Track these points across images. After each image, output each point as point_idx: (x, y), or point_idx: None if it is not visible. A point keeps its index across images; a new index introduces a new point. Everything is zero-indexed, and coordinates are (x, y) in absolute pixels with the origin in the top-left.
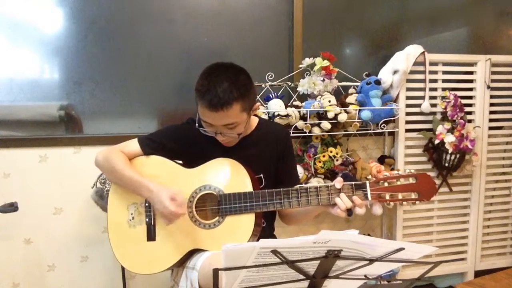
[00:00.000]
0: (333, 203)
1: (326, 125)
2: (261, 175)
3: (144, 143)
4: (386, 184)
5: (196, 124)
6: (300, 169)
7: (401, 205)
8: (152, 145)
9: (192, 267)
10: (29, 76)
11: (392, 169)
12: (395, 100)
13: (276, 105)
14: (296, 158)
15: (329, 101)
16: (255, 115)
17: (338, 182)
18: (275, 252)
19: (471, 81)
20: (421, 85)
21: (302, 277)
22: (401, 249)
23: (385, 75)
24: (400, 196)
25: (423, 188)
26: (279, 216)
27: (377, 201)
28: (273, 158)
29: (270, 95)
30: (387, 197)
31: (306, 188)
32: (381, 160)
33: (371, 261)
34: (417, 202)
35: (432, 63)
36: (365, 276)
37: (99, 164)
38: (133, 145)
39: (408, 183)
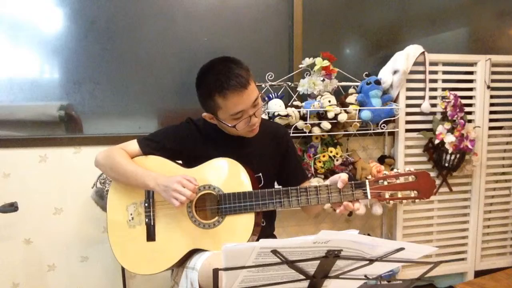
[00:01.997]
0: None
1: (326, 125)
2: (260, 174)
3: (143, 143)
4: (385, 183)
5: (225, 123)
6: None
7: (401, 203)
8: (151, 145)
9: (192, 267)
10: (29, 76)
11: (392, 169)
12: (395, 100)
13: (276, 105)
14: None
15: (329, 101)
16: None
17: (341, 181)
18: (275, 252)
19: (471, 81)
20: (421, 85)
21: (302, 277)
22: (401, 249)
23: (385, 75)
24: (399, 194)
25: (422, 186)
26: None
27: (377, 200)
28: (274, 158)
29: (270, 95)
30: (387, 195)
31: (305, 188)
32: (381, 160)
33: (371, 261)
34: (416, 200)
35: (432, 63)
36: (365, 276)
37: (100, 162)
38: (132, 146)
39: (407, 181)
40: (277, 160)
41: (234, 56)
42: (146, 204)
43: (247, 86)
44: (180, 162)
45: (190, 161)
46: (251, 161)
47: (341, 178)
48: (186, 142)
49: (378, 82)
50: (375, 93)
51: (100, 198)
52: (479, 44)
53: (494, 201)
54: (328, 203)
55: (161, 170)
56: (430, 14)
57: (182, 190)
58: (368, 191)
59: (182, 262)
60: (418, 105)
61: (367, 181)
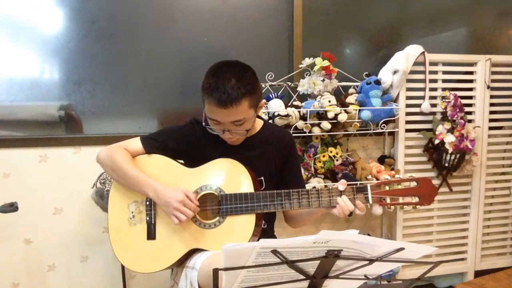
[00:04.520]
0: (334, 205)
1: (326, 125)
2: (262, 178)
3: (146, 142)
4: (387, 188)
5: (203, 123)
6: None
7: (402, 208)
8: (154, 144)
9: (192, 267)
10: (29, 76)
11: (392, 169)
12: (395, 100)
13: (276, 105)
14: None
15: (329, 101)
16: (260, 117)
17: (342, 184)
18: (275, 252)
19: (471, 81)
20: (421, 85)
21: (302, 277)
22: (401, 249)
23: (385, 75)
24: (400, 200)
25: (424, 192)
26: (285, 219)
27: (378, 204)
28: (276, 162)
29: (270, 95)
30: (388, 200)
31: (307, 190)
32: (381, 160)
33: (371, 261)
34: (417, 206)
35: (432, 63)
36: (365, 276)
37: (102, 162)
38: (136, 144)
39: (409, 187)
40: (279, 165)
41: (233, 56)
42: (148, 203)
43: (230, 105)
44: (181, 161)
45: (192, 161)
46: (254, 164)
47: (341, 182)
48: (189, 143)
49: (378, 82)
50: (375, 93)
51: (100, 198)
52: (479, 44)
53: (494, 201)
54: (329, 206)
55: (163, 170)
56: (430, 14)
57: (184, 210)
58: (370, 195)
59: (182, 262)
60: (418, 105)
61: (368, 185)
